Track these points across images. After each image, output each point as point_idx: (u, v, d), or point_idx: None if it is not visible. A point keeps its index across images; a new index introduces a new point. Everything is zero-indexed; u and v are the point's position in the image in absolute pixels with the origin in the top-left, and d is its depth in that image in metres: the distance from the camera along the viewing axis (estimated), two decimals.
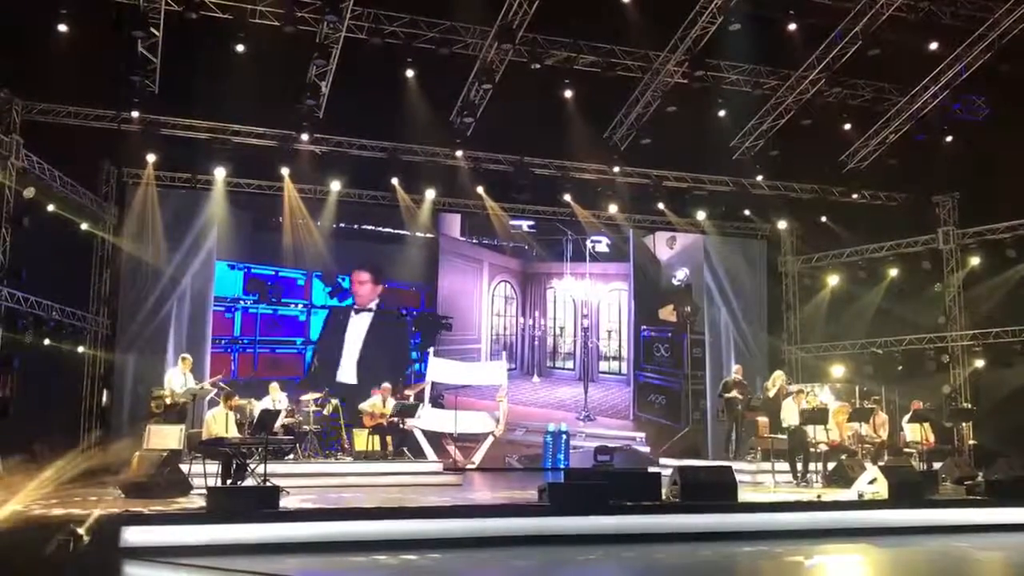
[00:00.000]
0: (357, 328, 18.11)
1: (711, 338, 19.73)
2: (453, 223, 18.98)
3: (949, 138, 16.78)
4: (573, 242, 19.58)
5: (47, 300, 14.39)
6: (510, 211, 18.64)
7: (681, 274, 20.16)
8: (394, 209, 17.87)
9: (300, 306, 17.84)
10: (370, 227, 18.36)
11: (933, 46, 15.35)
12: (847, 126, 17.27)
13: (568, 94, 15.55)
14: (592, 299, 19.68)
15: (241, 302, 17.39)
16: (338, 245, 17.88)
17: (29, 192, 13.66)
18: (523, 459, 18.36)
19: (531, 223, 19.35)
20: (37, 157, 14.21)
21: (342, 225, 17.96)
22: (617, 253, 19.92)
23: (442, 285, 18.62)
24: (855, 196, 18.45)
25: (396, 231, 18.40)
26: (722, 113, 16.63)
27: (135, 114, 14.89)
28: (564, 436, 18.59)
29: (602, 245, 19.84)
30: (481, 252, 19.14)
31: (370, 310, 18.25)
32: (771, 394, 15.65)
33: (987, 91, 16.03)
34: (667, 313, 19.88)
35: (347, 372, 17.74)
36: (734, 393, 15.82)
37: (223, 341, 17.08)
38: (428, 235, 18.58)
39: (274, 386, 14.53)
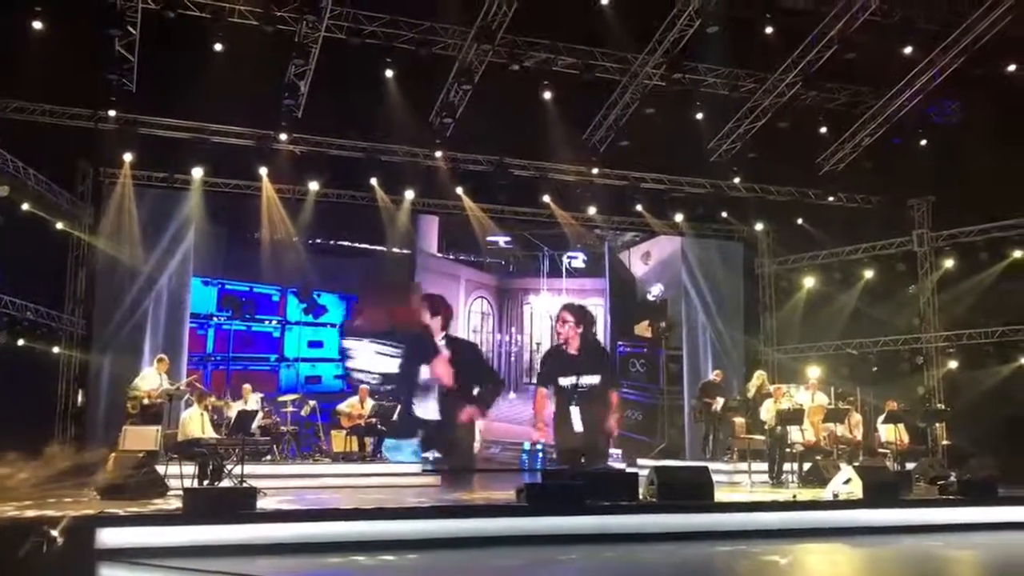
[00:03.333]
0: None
1: (688, 340, 19.77)
2: (430, 238, 18.89)
3: (923, 141, 16.97)
4: (550, 258, 19.56)
5: (21, 300, 14.25)
6: (489, 212, 18.59)
7: (656, 290, 20.19)
8: (372, 218, 17.70)
9: (274, 322, 17.66)
10: (346, 243, 18.21)
11: (907, 50, 15.50)
12: (823, 129, 17.40)
13: (547, 95, 15.58)
14: None
15: (214, 318, 17.18)
16: (313, 261, 17.66)
17: (3, 191, 13.50)
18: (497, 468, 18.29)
19: (507, 239, 19.28)
20: (11, 155, 14.06)
21: (318, 241, 17.79)
22: (593, 269, 19.93)
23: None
24: (831, 199, 18.60)
25: (372, 247, 18.28)
26: (700, 116, 16.70)
27: (112, 113, 14.78)
28: (540, 454, 18.57)
29: (578, 261, 19.83)
30: (458, 268, 19.06)
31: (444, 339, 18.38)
32: (751, 394, 15.78)
33: (961, 95, 16.20)
34: (643, 329, 19.88)
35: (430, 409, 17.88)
36: (712, 399, 16.01)
37: (195, 358, 16.82)
38: (404, 251, 18.49)
39: (247, 387, 14.51)
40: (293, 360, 17.55)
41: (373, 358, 17.73)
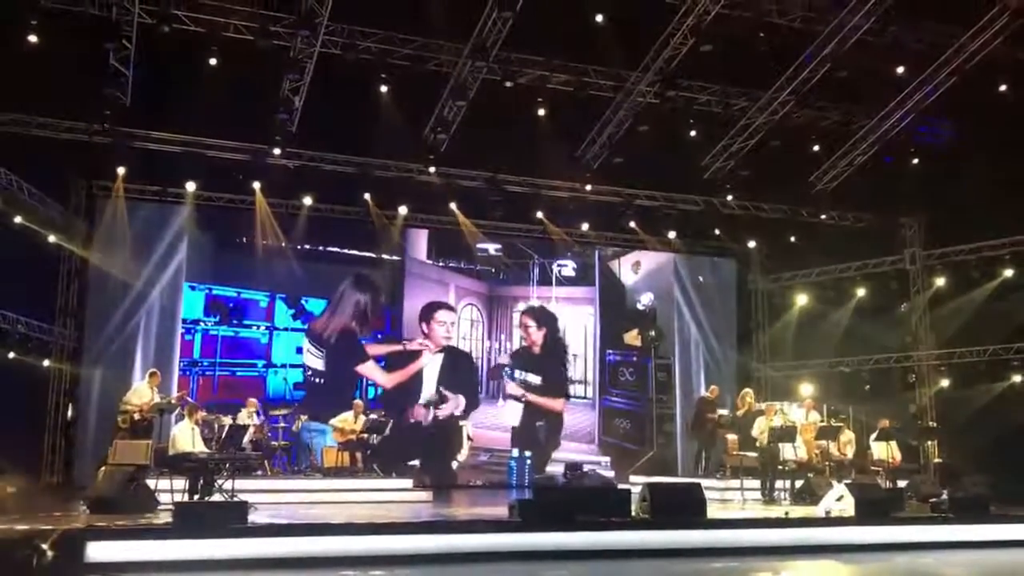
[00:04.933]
0: (431, 369, 18.36)
1: (681, 356, 19.81)
2: (420, 245, 18.89)
3: (915, 161, 17.07)
4: (540, 266, 19.60)
5: (12, 313, 14.20)
6: (482, 228, 18.65)
7: (646, 299, 20.22)
8: (364, 227, 17.80)
9: (262, 328, 17.61)
10: (335, 248, 18.21)
11: (900, 70, 15.61)
12: (816, 147, 17.50)
13: (541, 112, 15.63)
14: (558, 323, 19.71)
15: (201, 323, 17.11)
16: (303, 267, 17.67)
17: None
18: (487, 484, 18.20)
19: (498, 246, 19.32)
20: (4, 168, 14.06)
21: (307, 246, 17.78)
22: (583, 277, 19.98)
23: (408, 308, 18.51)
24: (823, 216, 18.68)
25: (362, 253, 18.30)
26: (693, 133, 16.77)
27: (106, 126, 14.77)
28: (528, 461, 18.54)
29: (568, 269, 19.87)
30: (448, 275, 19.07)
31: (443, 350, 18.53)
32: (740, 412, 15.80)
33: (952, 115, 16.30)
34: (632, 338, 19.90)
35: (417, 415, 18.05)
36: (708, 414, 16.05)
37: (183, 363, 16.78)
38: (395, 257, 18.51)
39: (252, 401, 14.53)
40: (280, 366, 17.51)
41: (306, 354, 17.76)
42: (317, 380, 17.66)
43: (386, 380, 18.07)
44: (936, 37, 15.07)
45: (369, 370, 18.00)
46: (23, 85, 13.36)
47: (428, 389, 18.24)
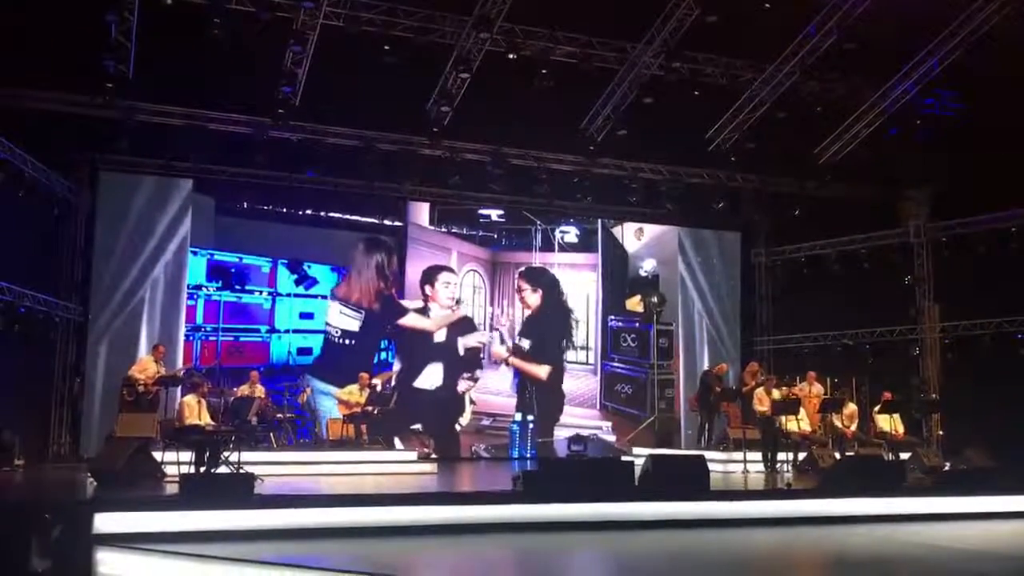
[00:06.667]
0: (438, 333, 18.47)
1: (683, 324, 19.84)
2: (421, 211, 18.87)
3: (921, 133, 16.98)
4: (542, 232, 19.59)
5: (18, 286, 14.24)
6: (485, 200, 18.65)
7: (648, 265, 20.21)
8: (367, 197, 17.83)
9: (265, 293, 17.60)
10: (337, 214, 18.22)
11: (906, 41, 15.50)
12: (822, 120, 17.41)
13: (545, 85, 15.55)
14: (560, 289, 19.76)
15: (204, 289, 17.10)
16: (305, 232, 17.71)
17: None
18: (490, 448, 18.37)
19: (500, 212, 19.33)
20: (8, 142, 14.03)
21: (308, 212, 17.80)
22: (586, 243, 19.96)
23: (409, 274, 18.56)
24: (828, 189, 18.60)
25: (365, 219, 18.33)
26: (698, 106, 16.68)
27: (109, 99, 14.73)
28: (531, 426, 18.63)
29: (571, 235, 19.85)
30: (449, 241, 19.07)
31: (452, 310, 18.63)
32: (746, 385, 15.84)
33: (959, 86, 16.19)
34: (634, 304, 19.93)
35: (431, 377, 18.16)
36: (714, 388, 16.14)
37: (186, 328, 16.78)
38: (396, 223, 18.55)
39: (255, 374, 14.58)
40: (284, 331, 17.52)
41: (337, 317, 17.73)
42: (347, 341, 17.66)
43: (431, 325, 18.23)
44: (943, 8, 14.94)
45: (412, 320, 18.10)
46: (26, 58, 13.31)
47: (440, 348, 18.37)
